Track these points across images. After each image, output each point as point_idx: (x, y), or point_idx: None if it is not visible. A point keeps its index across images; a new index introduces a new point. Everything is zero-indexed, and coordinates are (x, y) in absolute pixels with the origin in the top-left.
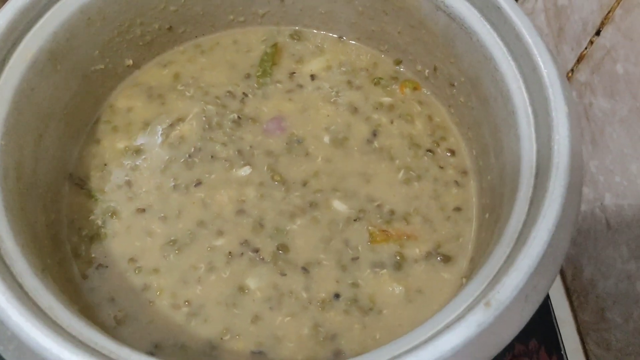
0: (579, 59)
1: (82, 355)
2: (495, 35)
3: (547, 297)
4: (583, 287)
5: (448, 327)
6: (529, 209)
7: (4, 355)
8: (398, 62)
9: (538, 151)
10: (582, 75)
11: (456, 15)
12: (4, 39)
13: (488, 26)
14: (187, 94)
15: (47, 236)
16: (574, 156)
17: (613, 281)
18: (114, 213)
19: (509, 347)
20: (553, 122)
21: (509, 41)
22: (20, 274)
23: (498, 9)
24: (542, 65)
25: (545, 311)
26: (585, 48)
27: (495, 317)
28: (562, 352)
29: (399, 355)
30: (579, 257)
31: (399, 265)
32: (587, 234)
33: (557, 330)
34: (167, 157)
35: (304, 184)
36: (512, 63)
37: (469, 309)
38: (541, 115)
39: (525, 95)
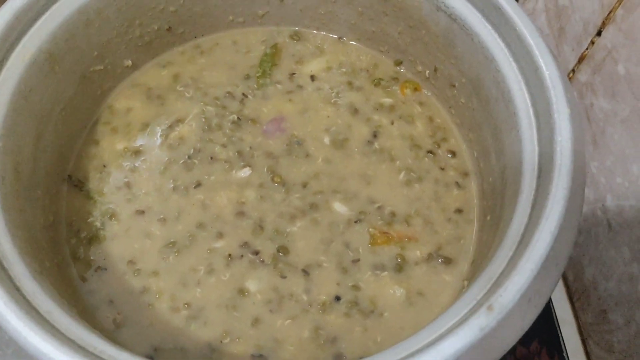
0: (580, 60)
1: None
2: (496, 36)
3: (549, 299)
4: (584, 289)
5: (450, 331)
6: (531, 212)
7: None
8: (398, 63)
9: (540, 153)
10: (583, 75)
11: (457, 16)
12: (2, 40)
13: (489, 27)
14: (187, 94)
15: (46, 238)
16: (576, 158)
17: (615, 283)
18: (113, 215)
19: (511, 350)
20: (555, 124)
21: (510, 42)
22: (19, 277)
23: (499, 9)
24: (544, 67)
25: (546, 313)
26: (586, 48)
27: (498, 322)
28: (563, 354)
29: (402, 359)
30: (580, 258)
31: (399, 267)
32: (588, 235)
33: (559, 331)
34: (167, 159)
35: (304, 185)
36: (514, 64)
37: (472, 312)
38: (543, 117)
39: (527, 96)
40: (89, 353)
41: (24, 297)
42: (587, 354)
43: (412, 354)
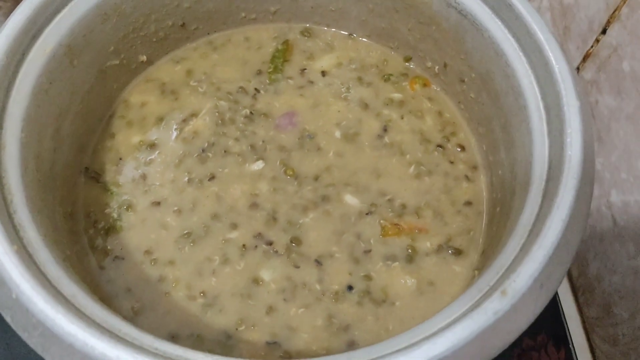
0: (585, 57)
1: (108, 341)
2: (506, 31)
3: (550, 300)
4: (589, 284)
5: (465, 315)
6: (542, 201)
7: (28, 342)
8: (408, 59)
9: (550, 145)
10: (588, 73)
11: (467, 12)
12: (23, 33)
13: (499, 22)
14: (200, 89)
15: (65, 228)
16: (586, 149)
17: (619, 277)
18: (129, 206)
19: (517, 342)
20: (565, 116)
21: (520, 37)
22: (44, 263)
23: (509, 5)
24: (553, 61)
25: (552, 305)
26: (591, 46)
27: (512, 305)
28: (570, 345)
29: (418, 342)
30: (585, 253)
31: (410, 258)
32: (592, 230)
33: (565, 324)
34: (181, 152)
35: (316, 178)
36: (524, 59)
37: (485, 297)
38: (553, 110)
39: (537, 90)
40: (114, 335)
41: (49, 282)
42: (591, 348)
43: (428, 337)
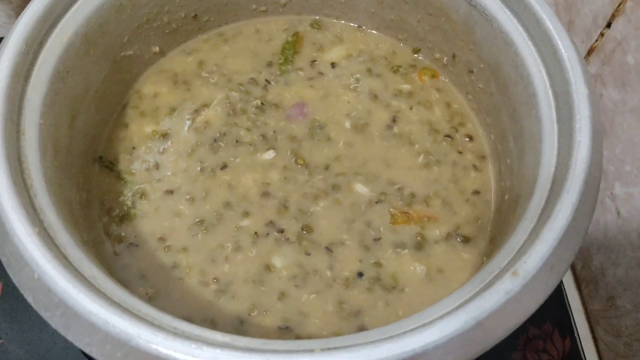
0: (590, 51)
1: (129, 320)
2: (515, 21)
3: (560, 281)
4: (593, 276)
5: (476, 295)
6: (552, 186)
7: (50, 322)
8: (416, 51)
9: (559, 132)
10: (592, 67)
11: (477, 3)
12: (41, 22)
13: (508, 12)
14: (212, 80)
15: (81, 214)
16: (595, 135)
17: (623, 269)
18: (143, 194)
19: (523, 330)
20: (574, 103)
21: (529, 26)
22: (64, 246)
23: None
24: (562, 49)
25: (558, 294)
26: (596, 40)
27: (523, 286)
28: (575, 334)
29: (432, 321)
30: (589, 246)
31: (420, 245)
32: (596, 223)
33: (570, 313)
34: (194, 142)
35: (327, 167)
36: (532, 48)
37: (497, 278)
38: (562, 97)
39: (546, 78)
40: (134, 315)
41: (70, 263)
42: (594, 339)
43: (442, 316)
